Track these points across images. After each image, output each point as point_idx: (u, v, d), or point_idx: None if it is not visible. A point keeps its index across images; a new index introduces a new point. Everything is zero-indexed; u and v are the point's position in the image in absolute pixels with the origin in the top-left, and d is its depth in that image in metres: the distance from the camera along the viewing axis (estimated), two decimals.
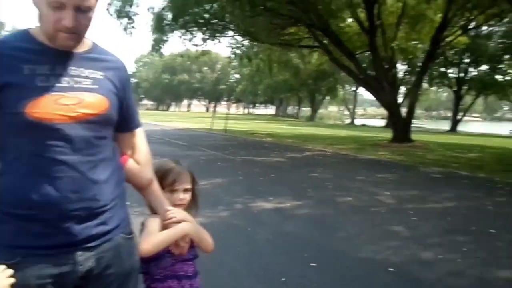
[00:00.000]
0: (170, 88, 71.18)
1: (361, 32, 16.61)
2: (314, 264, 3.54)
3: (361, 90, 54.11)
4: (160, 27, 17.31)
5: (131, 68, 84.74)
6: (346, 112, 64.47)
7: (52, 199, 1.11)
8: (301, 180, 7.82)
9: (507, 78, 36.46)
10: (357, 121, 53.15)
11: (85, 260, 1.17)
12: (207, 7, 16.41)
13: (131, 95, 1.35)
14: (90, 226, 1.17)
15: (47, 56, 1.15)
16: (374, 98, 18.14)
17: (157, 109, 73.43)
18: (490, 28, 31.60)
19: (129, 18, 17.41)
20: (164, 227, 1.47)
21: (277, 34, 17.35)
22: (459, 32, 18.37)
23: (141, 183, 1.40)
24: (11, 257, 1.09)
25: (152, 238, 1.43)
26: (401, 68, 34.07)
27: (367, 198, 6.31)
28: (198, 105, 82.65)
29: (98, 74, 1.22)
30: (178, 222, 1.48)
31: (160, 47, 18.92)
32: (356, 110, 60.53)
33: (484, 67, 37.77)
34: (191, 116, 44.01)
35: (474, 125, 51.02)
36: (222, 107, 73.47)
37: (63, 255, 1.14)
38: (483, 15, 16.53)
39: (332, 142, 16.34)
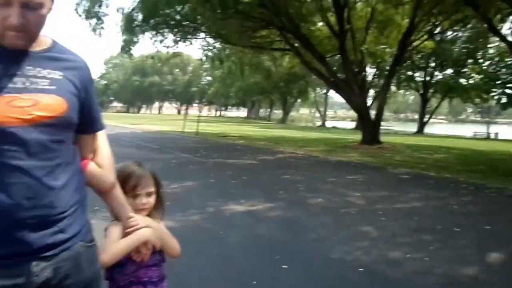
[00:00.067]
0: (140, 90, 70.12)
1: (331, 36, 16.87)
2: (285, 266, 3.54)
3: (332, 93, 55.04)
4: (130, 28, 17.04)
5: (100, 69, 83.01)
6: (317, 115, 65.22)
7: (4, 206, 1.04)
8: (273, 182, 7.84)
9: (471, 81, 37.85)
10: (328, 124, 53.88)
11: (41, 270, 1.10)
12: (178, 8, 16.28)
13: (93, 96, 1.28)
14: (46, 235, 1.11)
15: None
16: (344, 101, 18.43)
17: (127, 112, 72.16)
18: (455, 33, 32.78)
19: (98, 18, 17.06)
20: (126, 234, 1.43)
21: (248, 36, 17.38)
22: (425, 37, 18.94)
23: (103, 187, 1.35)
24: None
25: (110, 249, 1.39)
26: (370, 71, 34.80)
27: (338, 199, 6.39)
28: (169, 108, 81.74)
29: (57, 74, 1.15)
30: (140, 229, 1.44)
31: (130, 49, 18.61)
32: (327, 113, 61.36)
33: (449, 71, 39.10)
34: (163, 118, 43.47)
35: (439, 127, 52.61)
36: (194, 110, 72.97)
37: (17, 265, 1.08)
38: (448, 20, 17.13)
39: (303, 144, 16.49)
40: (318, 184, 7.75)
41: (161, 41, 18.36)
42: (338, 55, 17.56)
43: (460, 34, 33.25)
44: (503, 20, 14.67)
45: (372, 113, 17.12)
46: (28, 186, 1.07)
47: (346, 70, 16.41)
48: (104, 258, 1.36)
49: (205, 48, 21.82)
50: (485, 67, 36.80)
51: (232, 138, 18.47)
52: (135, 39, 17.87)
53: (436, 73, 39.82)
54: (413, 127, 44.00)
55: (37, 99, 1.09)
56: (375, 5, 16.93)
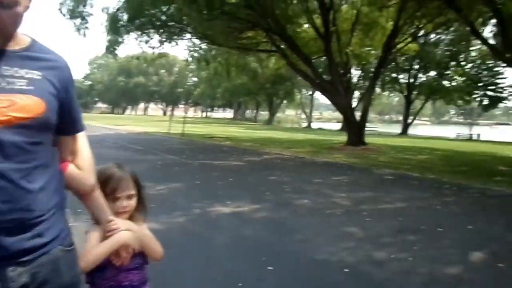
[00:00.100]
0: (125, 91, 69.49)
1: (317, 38, 16.97)
2: (271, 268, 3.53)
3: (318, 94, 55.32)
4: (115, 28, 16.88)
5: (84, 70, 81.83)
6: (303, 116, 65.52)
7: None
8: (260, 184, 7.84)
9: (453, 84, 38.49)
10: (314, 125, 54.17)
11: (18, 275, 1.07)
12: (164, 9, 16.19)
13: (74, 97, 1.25)
14: (23, 239, 1.08)
15: None
16: (330, 102, 18.54)
17: (112, 113, 71.37)
18: (438, 36, 33.30)
19: (83, 18, 16.85)
20: (106, 237, 1.40)
21: (234, 37, 17.37)
22: (409, 39, 19.20)
23: (83, 190, 1.32)
24: None
25: (89, 253, 1.37)
26: (355, 73, 35.15)
27: (324, 200, 6.42)
28: (155, 109, 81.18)
29: (35, 74, 1.12)
30: None
31: (115, 49, 18.44)
32: (312, 114, 61.66)
33: (432, 73, 39.71)
34: (148, 119, 43.15)
35: (423, 129, 53.30)
36: (179, 111, 72.58)
37: None
38: (431, 23, 17.38)
39: (289, 145, 16.54)
40: (304, 185, 7.77)
41: (146, 42, 18.24)
42: (324, 57, 17.67)
43: (443, 37, 33.80)
44: (484, 24, 14.94)
45: (357, 114, 17.27)
46: (3, 189, 1.04)
47: (332, 72, 16.51)
48: (84, 262, 1.34)
49: (191, 49, 21.74)
50: (467, 70, 37.48)
51: (218, 139, 18.42)
52: (120, 40, 17.71)
53: (420, 75, 40.40)
54: (397, 129, 44.51)
55: (13, 99, 1.06)
56: (360, 8, 17.09)
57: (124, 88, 68.93)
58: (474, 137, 38.13)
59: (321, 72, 19.11)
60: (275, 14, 15.23)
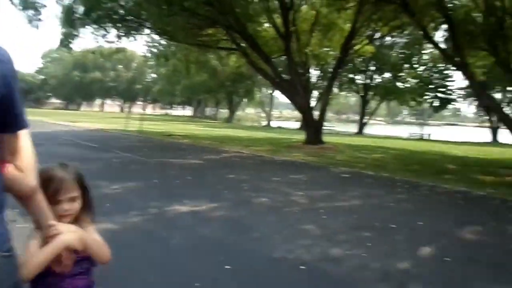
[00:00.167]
0: (81, 86, 66.92)
1: (277, 37, 17.10)
2: (228, 267, 3.53)
3: (277, 93, 55.77)
4: (70, 21, 16.22)
5: (37, 63, 78.22)
6: (263, 114, 65.94)
7: None
8: (218, 182, 7.82)
9: (407, 85, 40.08)
10: (273, 123, 54.66)
11: None
12: (122, 2, 15.75)
13: (15, 92, 1.14)
14: None
15: None
16: (289, 101, 18.76)
17: (66, 109, 68.53)
18: (393, 39, 34.52)
19: (35, 9, 16.09)
20: (47, 243, 1.33)
21: (194, 34, 17.18)
22: (366, 41, 19.75)
23: (24, 192, 1.23)
24: None
25: (28, 262, 1.29)
26: (314, 73, 35.75)
27: (282, 198, 6.49)
28: (111, 105, 78.83)
29: None
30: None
31: (70, 42, 17.73)
32: (272, 113, 62.20)
33: (387, 75, 41.15)
34: (104, 116, 41.87)
35: (378, 128, 55.04)
36: (137, 108, 71.03)
37: None
38: (387, 27, 17.97)
39: (249, 143, 16.58)
40: (262, 183, 7.82)
41: (103, 36, 17.66)
42: (284, 56, 17.84)
43: (397, 40, 35.10)
44: (436, 28, 15.59)
45: (316, 113, 17.58)
46: None
47: (291, 71, 16.71)
48: (24, 270, 1.26)
49: (150, 44, 21.32)
50: (420, 72, 39.15)
51: (177, 137, 18.17)
52: (75, 33, 17.05)
53: (376, 76, 41.78)
54: (354, 128, 45.75)
55: None
56: (319, 9, 17.39)
57: (80, 83, 66.38)
58: (425, 136, 39.84)
59: (281, 71, 19.27)
60: (235, 12, 15.20)
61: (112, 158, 10.35)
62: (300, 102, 16.48)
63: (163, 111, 76.83)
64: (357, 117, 51.10)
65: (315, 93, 37.18)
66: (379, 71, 41.00)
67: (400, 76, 40.03)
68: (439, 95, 39.94)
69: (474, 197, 7.61)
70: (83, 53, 57.57)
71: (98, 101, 78.47)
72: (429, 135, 40.81)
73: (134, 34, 18.18)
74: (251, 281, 3.36)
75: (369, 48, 21.58)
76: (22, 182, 1.21)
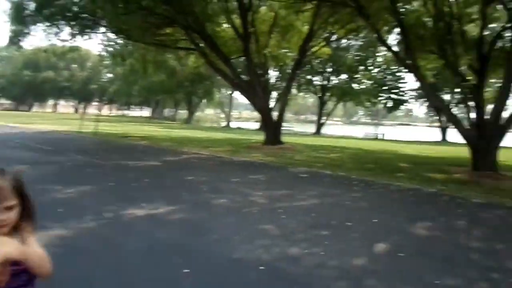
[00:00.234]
0: (32, 86, 63.78)
1: (236, 38, 17.11)
2: (187, 270, 3.49)
3: (237, 94, 55.83)
4: (20, 18, 15.48)
5: None
6: (223, 115, 65.79)
7: None
8: (177, 184, 7.72)
9: (362, 86, 41.32)
10: (233, 124, 54.69)
11: None
12: None
13: None
14: None
15: None
16: (249, 102, 18.81)
17: (16, 110, 65.13)
18: (349, 42, 35.49)
19: None
20: None
21: (152, 33, 16.84)
22: (323, 43, 20.15)
23: None
24: None
25: None
26: (273, 74, 36.11)
27: (241, 199, 6.49)
28: (65, 106, 75.88)
29: None
30: None
31: (20, 40, 16.91)
32: (232, 113, 62.17)
33: (343, 76, 42.25)
34: (58, 117, 40.24)
35: (335, 128, 56.34)
36: (93, 108, 68.71)
37: None
38: (343, 29, 18.39)
39: (208, 144, 16.48)
40: (222, 184, 7.79)
41: (56, 34, 16.94)
42: (243, 57, 17.87)
43: (353, 42, 36.11)
44: (389, 32, 16.15)
45: (275, 114, 17.73)
46: None
47: (250, 72, 16.76)
48: None
49: (106, 43, 20.69)
50: (374, 74, 40.49)
51: (134, 139, 17.76)
52: (25, 30, 16.28)
53: (333, 77, 42.78)
54: (312, 128, 46.58)
55: None
56: (278, 10, 17.56)
57: (31, 83, 63.23)
58: (380, 136, 41.22)
59: (240, 72, 19.30)
60: (193, 11, 15.06)
61: (65, 161, 9.96)
62: (259, 103, 16.57)
63: (120, 112, 74.86)
64: (315, 118, 52.11)
65: (274, 94, 37.54)
66: (336, 72, 42.03)
67: (356, 77, 41.24)
68: (393, 96, 41.48)
69: (425, 194, 7.95)
70: (35, 51, 55.09)
71: (50, 102, 75.27)
72: (383, 135, 42.27)
73: (88, 32, 17.58)
74: (209, 283, 3.34)
75: (326, 50, 22.05)
76: None
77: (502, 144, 11.10)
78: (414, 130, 66.57)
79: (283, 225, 5.12)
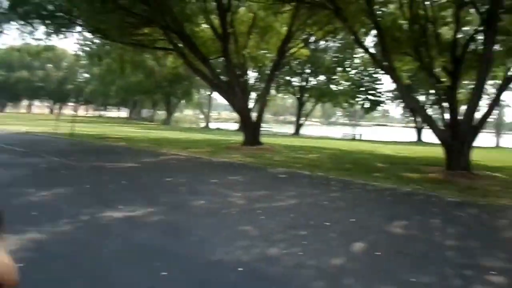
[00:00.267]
0: (5, 86, 61.98)
1: (215, 38, 17.05)
2: (165, 273, 3.46)
3: (216, 95, 55.59)
4: None
5: None
6: (202, 116, 65.45)
7: None
8: (155, 186, 7.64)
9: (340, 88, 41.82)
10: (212, 125, 54.48)
11: None
12: None
13: None
14: None
15: None
16: (228, 103, 18.77)
17: None
18: (327, 43, 35.86)
19: None
20: None
21: (130, 33, 16.61)
22: (301, 44, 20.30)
23: None
24: None
25: None
26: (252, 75, 36.16)
27: (220, 200, 6.47)
28: (40, 107, 74.08)
29: None
30: None
31: None
32: (211, 114, 61.92)
33: (322, 78, 42.67)
34: (32, 118, 39.22)
35: (314, 129, 56.79)
36: (69, 109, 67.29)
37: None
38: (321, 31, 18.58)
39: (187, 145, 16.36)
40: (200, 186, 7.75)
41: (30, 33, 16.52)
42: (222, 58, 17.82)
43: (331, 44, 36.51)
44: (366, 34, 16.39)
45: (254, 115, 17.75)
46: None
47: (229, 73, 16.73)
48: None
49: (82, 43, 20.30)
50: (352, 75, 41.04)
51: (111, 140, 17.48)
52: None
53: (311, 78, 43.16)
54: (291, 129, 46.86)
55: None
56: (256, 11, 17.60)
57: (4, 83, 61.45)
58: (357, 137, 41.74)
59: (219, 73, 19.23)
60: (172, 11, 14.93)
61: (40, 163, 9.73)
62: (238, 103, 16.55)
63: (97, 113, 73.57)
64: (293, 118, 52.39)
65: (253, 95, 37.60)
66: (314, 74, 42.41)
67: (334, 79, 41.71)
68: (370, 97, 42.11)
69: (401, 194, 8.11)
70: (8, 50, 53.61)
71: (25, 102, 73.35)
72: (360, 135, 42.82)
73: (64, 31, 17.19)
74: (188, 286, 3.32)
75: (305, 51, 22.21)
76: None
77: (475, 144, 11.41)
78: (391, 130, 67.70)
79: (262, 225, 5.14)
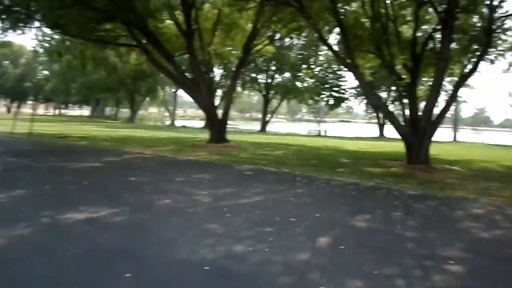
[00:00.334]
0: None
1: (179, 35, 16.83)
2: (129, 275, 3.39)
3: (181, 92, 55.00)
4: None
5: None
6: (167, 114, 64.55)
7: None
8: (118, 186, 7.47)
9: (305, 85, 42.32)
10: (178, 123, 53.90)
11: None
12: None
13: None
14: None
15: None
16: (193, 100, 18.60)
17: None
18: (291, 41, 36.18)
19: None
20: None
21: (91, 29, 16.11)
22: (267, 42, 20.38)
23: None
24: None
25: None
26: (217, 72, 36.00)
27: (185, 199, 6.41)
28: None
29: None
30: None
31: None
32: (176, 112, 61.20)
33: (287, 75, 43.05)
34: None
35: (280, 126, 57.27)
36: (27, 108, 64.68)
37: None
38: (286, 28, 18.71)
39: (152, 144, 16.10)
40: (165, 184, 7.65)
41: None
42: (186, 55, 17.62)
43: (296, 41, 36.87)
44: (330, 32, 16.64)
45: (220, 112, 17.68)
46: None
47: (194, 70, 16.58)
48: None
49: (41, 38, 19.52)
50: (316, 72, 41.62)
51: (72, 139, 16.94)
52: None
53: (276, 76, 43.44)
54: (257, 126, 47.02)
55: None
56: (221, 8, 17.50)
57: None
58: (322, 133, 42.45)
59: (184, 70, 19.02)
60: (135, 7, 14.61)
61: None
62: (203, 101, 16.43)
63: (57, 111, 71.11)
64: (260, 115, 52.59)
65: (219, 92, 37.46)
66: (280, 71, 42.72)
67: (299, 76, 42.18)
68: (334, 94, 42.89)
69: (364, 188, 8.31)
70: None
71: None
72: (325, 131, 43.57)
73: (22, 27, 16.45)
74: (152, 286, 3.26)
75: (270, 48, 22.32)
76: None
77: (434, 138, 11.85)
78: (354, 126, 69.25)
79: (228, 223, 5.13)
